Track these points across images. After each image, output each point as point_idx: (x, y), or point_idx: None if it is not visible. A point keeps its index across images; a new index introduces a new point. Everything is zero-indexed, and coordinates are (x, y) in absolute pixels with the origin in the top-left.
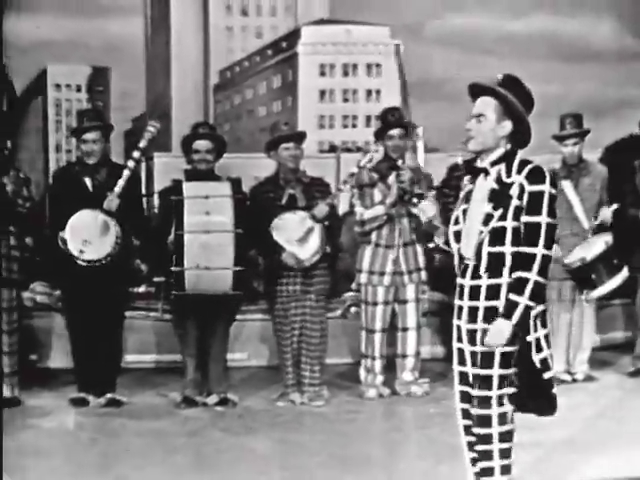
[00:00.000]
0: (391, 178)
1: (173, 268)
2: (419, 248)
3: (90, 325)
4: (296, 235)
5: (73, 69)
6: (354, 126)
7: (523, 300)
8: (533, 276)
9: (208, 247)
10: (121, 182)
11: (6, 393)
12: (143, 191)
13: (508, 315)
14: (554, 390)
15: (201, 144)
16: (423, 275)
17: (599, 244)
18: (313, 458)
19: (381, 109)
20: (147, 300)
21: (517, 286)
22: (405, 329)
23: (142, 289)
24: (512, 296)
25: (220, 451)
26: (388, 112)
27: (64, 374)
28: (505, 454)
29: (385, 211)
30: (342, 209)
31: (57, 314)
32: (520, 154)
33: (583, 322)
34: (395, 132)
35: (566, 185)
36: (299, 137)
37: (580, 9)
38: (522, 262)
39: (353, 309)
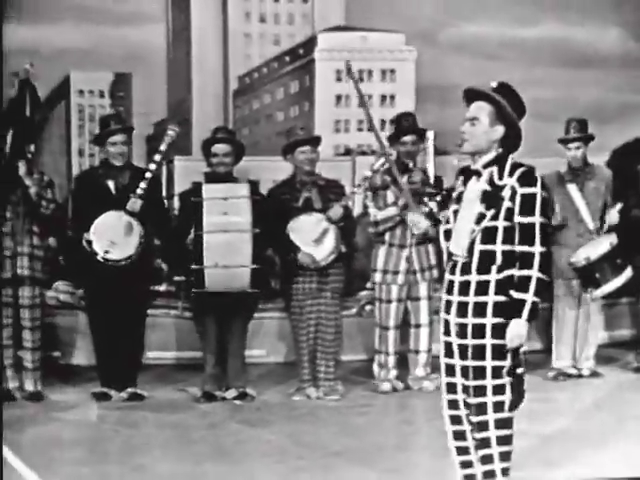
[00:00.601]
0: (403, 180)
1: (193, 266)
2: (431, 247)
3: (113, 322)
4: (312, 236)
5: (96, 75)
6: (369, 130)
7: (529, 297)
8: (535, 273)
9: (226, 246)
10: (143, 184)
11: (29, 387)
12: (164, 193)
13: (519, 314)
14: (524, 387)
15: (220, 148)
16: (435, 273)
17: (604, 244)
18: (327, 449)
19: (395, 114)
20: (168, 299)
21: (521, 285)
22: (418, 326)
23: (163, 288)
24: (518, 295)
25: (238, 442)
26: (402, 117)
27: (87, 371)
28: (503, 441)
29: (397, 212)
30: (356, 211)
31: (80, 312)
32: (513, 157)
33: (589, 319)
34: (408, 138)
35: (572, 188)
36: (315, 141)
37: (587, 17)
38: (522, 261)
39: (368, 307)
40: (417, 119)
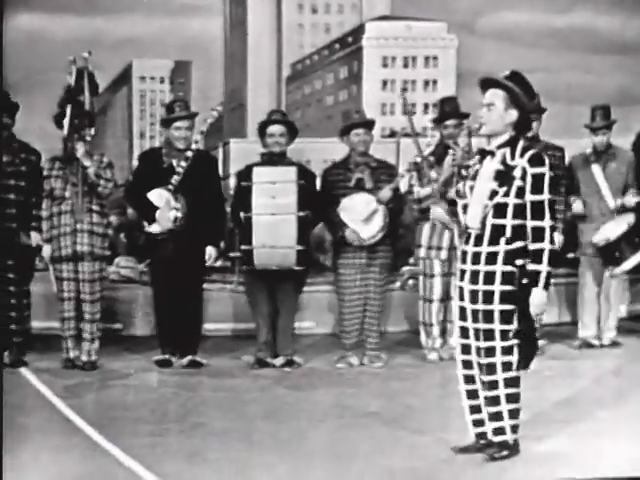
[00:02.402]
0: (446, 159)
1: (243, 247)
2: None
3: (173, 294)
4: (361, 215)
5: (157, 63)
6: (413, 113)
7: (544, 267)
8: (547, 245)
9: (273, 228)
10: (183, 163)
11: (84, 357)
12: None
13: (536, 284)
14: (535, 348)
15: (275, 129)
16: None
17: (622, 225)
18: (364, 410)
19: (438, 98)
20: (224, 274)
21: (535, 257)
22: None
23: (219, 263)
24: (534, 266)
25: (285, 404)
26: (445, 102)
27: (146, 341)
28: (512, 399)
29: (438, 188)
30: (402, 189)
31: (140, 286)
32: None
33: (611, 294)
34: (450, 122)
35: (595, 168)
36: (368, 124)
37: (615, 7)
38: (534, 235)
39: (411, 282)
40: (459, 103)
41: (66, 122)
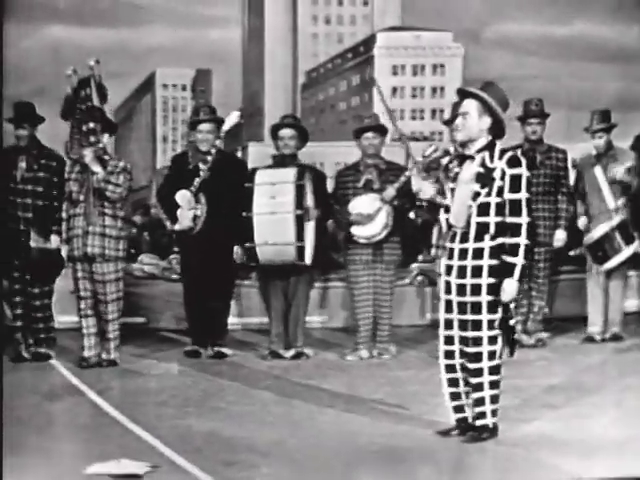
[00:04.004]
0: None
1: (246, 244)
2: None
3: (200, 289)
4: (366, 214)
5: (179, 71)
6: (421, 118)
7: (519, 260)
8: (523, 240)
9: (274, 226)
10: (202, 165)
11: (104, 356)
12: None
13: (510, 275)
14: (516, 336)
15: (285, 132)
16: None
17: (605, 227)
18: (371, 396)
19: (444, 103)
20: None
21: (512, 251)
22: None
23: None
24: (510, 259)
25: (296, 391)
26: (454, 107)
27: (169, 333)
28: (494, 386)
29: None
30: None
31: (163, 282)
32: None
33: (611, 290)
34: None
35: (597, 170)
36: (377, 128)
37: (613, 17)
38: (512, 231)
39: (419, 278)
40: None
41: (70, 130)
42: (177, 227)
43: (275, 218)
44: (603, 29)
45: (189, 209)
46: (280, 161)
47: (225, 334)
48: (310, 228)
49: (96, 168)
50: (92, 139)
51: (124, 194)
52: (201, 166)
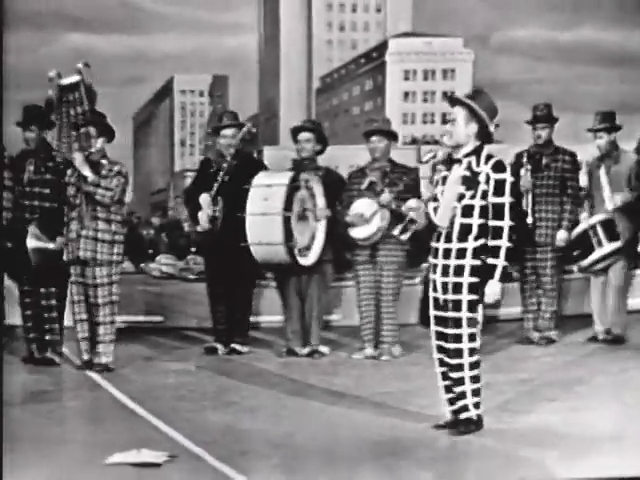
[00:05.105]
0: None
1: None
2: None
3: (221, 288)
4: (363, 216)
5: (196, 77)
6: (432, 122)
7: (501, 262)
8: (504, 243)
9: (265, 227)
10: (223, 170)
11: (96, 360)
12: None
13: (492, 276)
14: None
15: (300, 135)
16: None
17: (582, 226)
18: (379, 389)
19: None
20: None
21: (494, 253)
22: None
23: None
24: (492, 260)
25: (309, 385)
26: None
27: (185, 331)
28: (475, 380)
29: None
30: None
31: (179, 282)
32: (495, 147)
33: (612, 292)
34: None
35: (601, 171)
36: (382, 132)
37: (618, 22)
38: (494, 233)
39: None
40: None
41: (55, 134)
42: (198, 228)
43: (265, 219)
44: (608, 34)
45: (207, 211)
46: (299, 165)
47: (246, 332)
48: (320, 228)
49: (85, 172)
50: (84, 143)
51: (115, 198)
52: (221, 169)
